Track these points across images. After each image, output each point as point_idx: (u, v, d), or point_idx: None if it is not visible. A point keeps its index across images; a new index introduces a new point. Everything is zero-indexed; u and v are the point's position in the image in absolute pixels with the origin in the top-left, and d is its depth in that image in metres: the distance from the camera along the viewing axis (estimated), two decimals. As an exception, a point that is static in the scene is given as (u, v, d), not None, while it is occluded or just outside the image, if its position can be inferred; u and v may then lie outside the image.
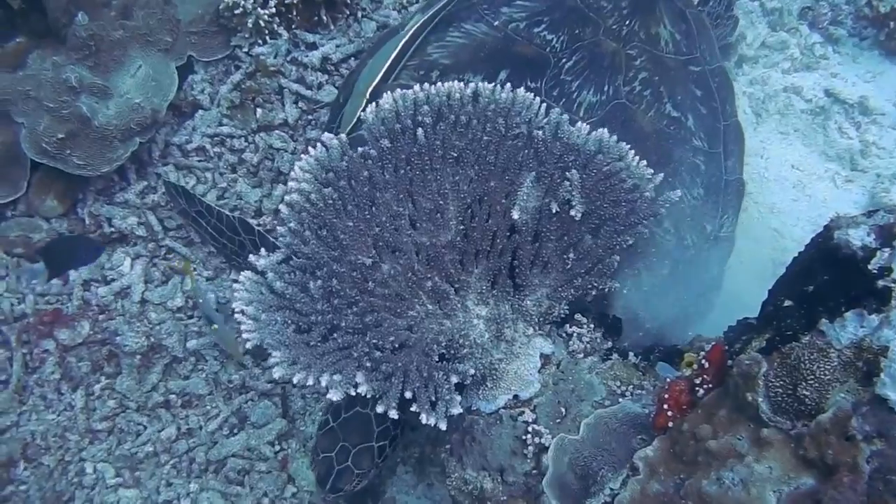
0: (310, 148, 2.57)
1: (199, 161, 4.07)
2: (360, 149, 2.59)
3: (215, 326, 3.52)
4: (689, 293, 3.30)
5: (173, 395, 3.81)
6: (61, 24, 3.65)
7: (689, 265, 3.31)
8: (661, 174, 2.70)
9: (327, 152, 2.55)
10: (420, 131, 2.57)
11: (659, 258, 3.17)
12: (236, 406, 3.78)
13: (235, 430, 3.79)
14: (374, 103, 2.60)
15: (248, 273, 2.45)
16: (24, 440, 3.66)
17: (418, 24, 3.42)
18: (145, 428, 3.78)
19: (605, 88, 3.30)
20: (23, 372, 3.70)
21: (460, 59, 3.40)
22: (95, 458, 3.71)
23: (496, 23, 3.49)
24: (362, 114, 2.63)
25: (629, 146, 2.67)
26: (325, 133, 2.59)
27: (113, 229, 3.88)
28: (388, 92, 2.62)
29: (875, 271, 1.86)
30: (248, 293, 2.40)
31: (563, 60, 3.34)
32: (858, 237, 1.96)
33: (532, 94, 2.68)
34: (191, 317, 3.89)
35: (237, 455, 3.72)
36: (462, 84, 2.65)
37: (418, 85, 2.62)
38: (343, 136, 2.60)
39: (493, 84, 2.67)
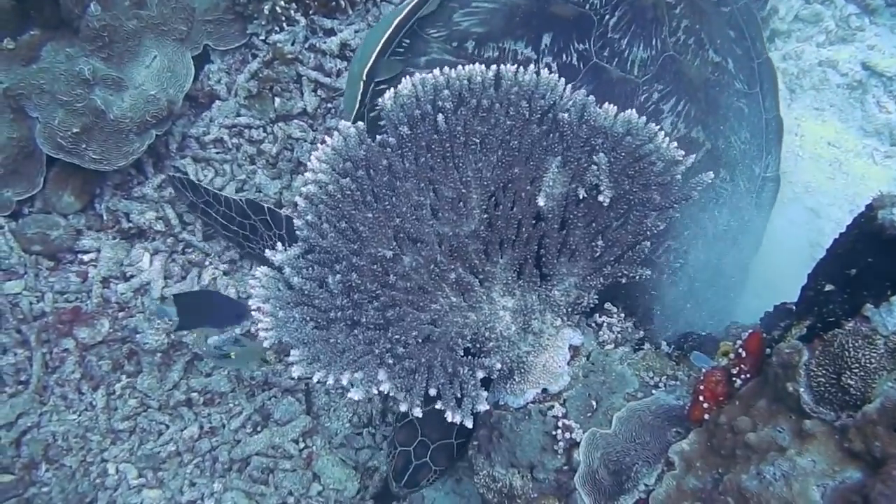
0: (326, 137, 2.48)
1: (218, 153, 4.02)
2: (378, 137, 2.50)
3: (233, 354, 3.31)
4: (747, 240, 3.30)
5: (195, 393, 3.77)
6: (75, 14, 3.58)
7: (746, 210, 3.28)
8: (693, 156, 2.58)
9: (345, 141, 2.46)
10: (440, 117, 2.48)
11: (720, 208, 3.13)
12: (259, 403, 3.73)
13: (259, 428, 3.74)
14: (391, 89, 2.50)
15: (264, 269, 2.38)
16: (46, 441, 3.63)
17: (414, 2, 3.21)
18: (167, 427, 3.75)
19: (654, 42, 3.13)
20: (43, 372, 3.67)
21: (494, 25, 3.17)
22: (118, 459, 3.68)
23: None
24: (381, 100, 2.52)
25: (659, 128, 2.54)
26: (342, 121, 2.50)
27: (131, 224, 3.83)
28: (408, 77, 2.52)
29: None
30: (264, 290, 2.32)
31: (607, 17, 3.13)
32: None
33: (556, 75, 2.57)
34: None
35: (261, 453, 3.67)
36: (483, 67, 2.55)
37: (437, 69, 2.52)
38: (361, 123, 2.50)
39: (515, 66, 2.56)
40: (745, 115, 3.33)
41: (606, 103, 2.54)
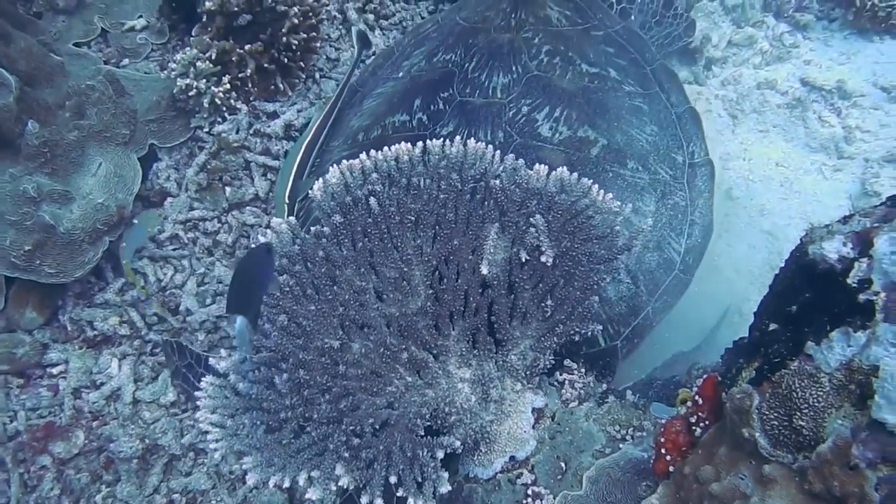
0: (259, 236, 2.49)
1: (175, 249, 4.02)
2: (312, 228, 2.51)
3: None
4: (683, 218, 3.37)
5: (176, 495, 3.72)
6: (15, 133, 3.60)
7: (675, 191, 3.38)
8: (630, 205, 2.60)
9: (278, 238, 2.47)
10: (373, 200, 2.49)
11: (639, 195, 3.27)
12: (241, 497, 3.69)
13: (244, 523, 3.70)
14: (320, 179, 2.52)
15: (209, 378, 2.37)
16: (32, 564, 3.59)
17: (317, 124, 3.70)
18: (153, 533, 3.70)
19: (514, 68, 3.49)
20: (21, 493, 3.63)
21: (378, 114, 3.66)
22: (106, 572, 3.63)
23: (400, 74, 3.83)
24: (310, 192, 2.55)
25: (592, 183, 2.56)
26: (274, 218, 2.51)
27: (96, 332, 3.82)
28: (334, 165, 2.54)
29: (855, 285, 1.74)
30: (211, 400, 2.31)
31: (466, 65, 3.56)
32: (834, 249, 1.85)
33: (483, 144, 2.60)
34: (184, 410, 3.81)
35: (248, 549, 3.63)
36: (409, 145, 2.57)
37: (364, 154, 2.54)
38: (292, 218, 2.52)
39: (441, 140, 2.59)
40: (645, 112, 3.52)
41: (537, 165, 2.57)
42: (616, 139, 3.30)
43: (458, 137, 2.60)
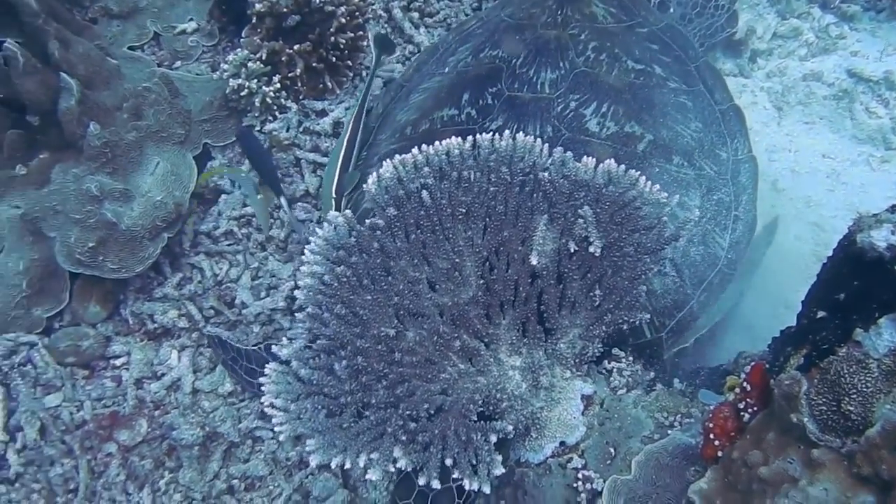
0: (317, 229, 2.58)
1: (229, 245, 4.13)
2: (367, 220, 2.60)
3: (260, 196, 3.69)
4: (727, 214, 3.42)
5: (235, 480, 3.83)
6: (77, 135, 3.73)
7: (719, 187, 3.43)
8: (676, 196, 2.65)
9: (335, 230, 2.56)
10: (425, 193, 2.57)
11: (685, 190, 3.30)
12: (297, 483, 3.78)
13: (300, 507, 3.81)
14: (374, 173, 2.60)
15: (273, 364, 2.47)
16: (100, 547, 3.73)
17: (353, 120, 3.76)
18: (213, 517, 3.83)
19: (561, 64, 3.52)
20: (90, 478, 3.75)
21: (425, 108, 3.69)
22: (170, 554, 3.76)
23: (446, 70, 3.87)
24: (365, 186, 2.63)
25: (639, 174, 2.62)
26: (331, 211, 2.60)
27: (156, 325, 3.94)
28: (387, 160, 2.62)
29: None
30: (275, 385, 2.41)
31: (514, 61, 3.59)
32: (882, 238, 1.87)
33: (532, 137, 2.66)
34: (242, 399, 3.93)
35: (304, 532, 3.73)
36: (459, 140, 2.64)
37: (416, 148, 2.62)
38: (348, 212, 2.60)
39: (490, 133, 2.66)
40: (690, 109, 3.55)
41: (585, 157, 2.63)
42: (662, 135, 3.34)
43: (507, 132, 2.67)
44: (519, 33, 3.71)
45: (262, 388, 2.42)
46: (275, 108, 4.16)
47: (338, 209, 3.53)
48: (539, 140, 2.65)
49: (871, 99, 4.31)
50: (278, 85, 4.12)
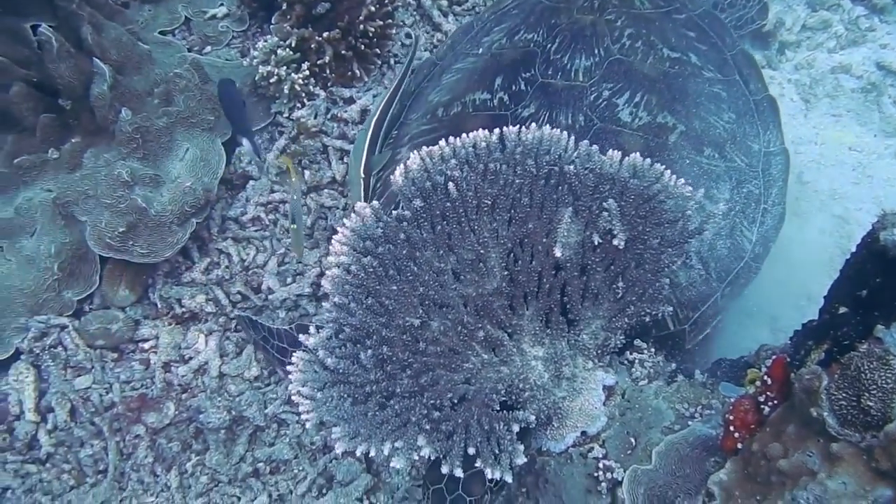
0: (344, 220, 2.62)
1: (256, 231, 4.18)
2: (394, 212, 2.63)
3: (293, 226, 3.60)
4: (756, 207, 3.43)
5: (261, 464, 3.89)
6: (109, 120, 3.80)
7: (749, 180, 3.43)
8: (702, 189, 2.67)
9: (362, 221, 2.60)
10: (451, 185, 2.60)
11: (714, 183, 3.30)
12: (322, 467, 3.84)
13: (324, 491, 3.84)
14: (400, 165, 2.64)
15: (300, 353, 2.51)
16: (130, 526, 3.81)
17: (384, 101, 3.75)
18: (239, 499, 3.87)
19: (596, 51, 3.50)
20: (119, 459, 3.84)
21: (458, 90, 3.67)
22: (197, 534, 3.83)
23: (480, 51, 3.84)
24: (392, 177, 2.66)
25: (665, 168, 2.64)
26: (358, 203, 2.63)
27: (184, 309, 4.01)
28: (414, 152, 2.65)
29: None
30: (302, 374, 2.45)
31: (548, 46, 3.56)
32: None
33: (558, 131, 2.68)
34: (267, 384, 3.99)
35: (328, 515, 3.79)
36: (486, 132, 2.67)
37: (443, 141, 2.65)
38: (376, 202, 2.64)
39: (519, 124, 2.69)
40: (724, 99, 3.53)
41: (610, 150, 2.65)
42: (694, 126, 3.34)
43: (534, 124, 2.69)
44: (555, 16, 3.69)
45: (290, 376, 2.47)
46: (303, 95, 4.21)
47: (366, 189, 3.57)
48: (565, 133, 2.68)
49: (900, 92, 4.29)
50: (307, 72, 4.16)
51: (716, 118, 3.43)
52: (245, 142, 3.82)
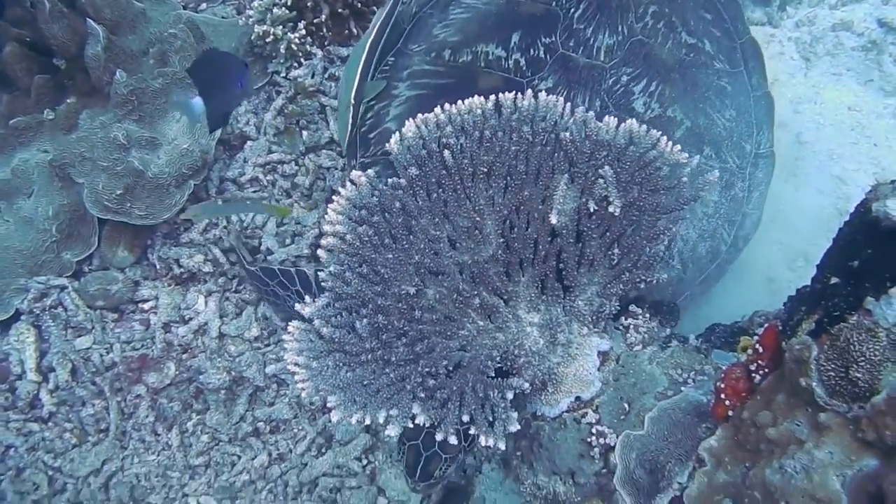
0: (339, 188, 2.62)
1: (255, 191, 4.18)
2: (389, 180, 2.63)
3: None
4: (738, 209, 3.43)
5: (261, 423, 3.95)
6: (104, 81, 3.78)
7: (737, 182, 3.42)
8: (698, 157, 2.68)
9: (357, 190, 2.60)
10: (447, 153, 2.60)
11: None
12: (321, 426, 3.90)
13: (323, 450, 3.91)
14: (396, 133, 2.63)
15: (296, 322, 2.53)
16: (131, 483, 3.86)
17: (379, 22, 3.43)
18: (239, 458, 3.94)
19: (620, 28, 3.37)
20: (120, 419, 3.89)
21: (468, 32, 3.43)
22: (197, 493, 3.88)
23: None
24: (387, 145, 2.66)
25: (661, 134, 2.63)
26: (353, 171, 2.64)
27: (182, 269, 4.02)
28: (410, 120, 2.65)
29: None
30: (297, 343, 2.48)
31: (572, 10, 3.38)
32: None
33: (554, 97, 2.68)
34: (267, 344, 4.03)
35: (328, 474, 3.84)
36: (482, 99, 2.66)
37: (438, 108, 2.65)
38: (371, 172, 2.64)
39: (513, 93, 2.67)
40: (728, 94, 3.46)
41: (606, 116, 2.64)
42: (699, 122, 3.30)
43: (529, 91, 2.69)
44: None
45: (285, 346, 2.50)
46: (300, 54, 4.16)
47: (355, 118, 3.41)
48: (561, 99, 2.67)
49: (901, 50, 4.25)
50: (304, 31, 4.11)
51: (719, 115, 3.39)
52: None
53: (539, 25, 3.36)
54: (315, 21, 4.16)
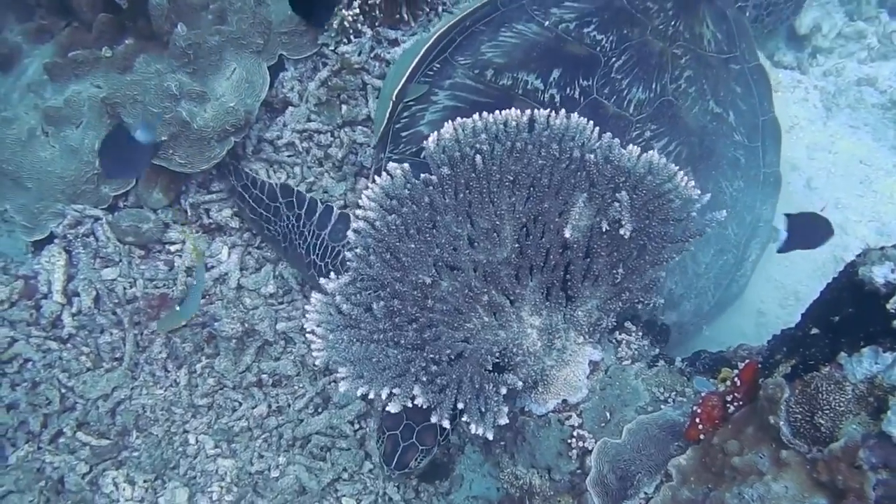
0: (375, 177, 2.81)
1: (289, 156, 4.35)
2: (422, 175, 2.82)
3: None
4: (729, 275, 3.60)
5: (265, 376, 4.15)
6: (164, 30, 3.93)
7: (729, 250, 3.58)
8: (708, 195, 2.85)
9: (392, 181, 2.79)
10: (478, 158, 2.78)
11: (703, 246, 3.46)
12: (320, 387, 4.10)
13: (319, 410, 4.12)
14: (434, 133, 2.81)
15: (318, 295, 2.72)
16: (137, 412, 4.07)
17: (443, 29, 3.65)
18: (240, 405, 4.15)
19: (653, 86, 3.51)
20: (134, 351, 4.10)
21: (513, 57, 3.62)
22: (197, 431, 4.11)
23: (547, 23, 3.69)
24: (425, 143, 2.83)
25: (678, 169, 2.80)
26: (390, 163, 2.82)
27: (211, 220, 4.21)
28: (449, 122, 2.82)
29: (893, 310, 1.96)
30: (318, 314, 2.67)
31: (613, 60, 3.55)
32: (882, 274, 2.05)
33: (585, 119, 2.85)
34: (281, 302, 4.22)
35: (321, 433, 4.04)
36: (518, 112, 2.83)
37: (477, 114, 2.82)
38: (406, 165, 2.81)
39: (547, 111, 2.84)
40: (741, 166, 3.62)
41: (630, 146, 2.82)
42: (707, 188, 3.30)
43: (563, 110, 2.85)
44: (629, 26, 3.66)
45: (306, 316, 2.69)
46: (350, 31, 4.30)
47: (392, 113, 3.60)
48: (591, 122, 2.84)
49: (920, 114, 4.39)
50: (357, 10, 4.25)
51: (727, 184, 3.55)
52: None
53: (580, 67, 3.53)
54: (370, 1, 4.30)
